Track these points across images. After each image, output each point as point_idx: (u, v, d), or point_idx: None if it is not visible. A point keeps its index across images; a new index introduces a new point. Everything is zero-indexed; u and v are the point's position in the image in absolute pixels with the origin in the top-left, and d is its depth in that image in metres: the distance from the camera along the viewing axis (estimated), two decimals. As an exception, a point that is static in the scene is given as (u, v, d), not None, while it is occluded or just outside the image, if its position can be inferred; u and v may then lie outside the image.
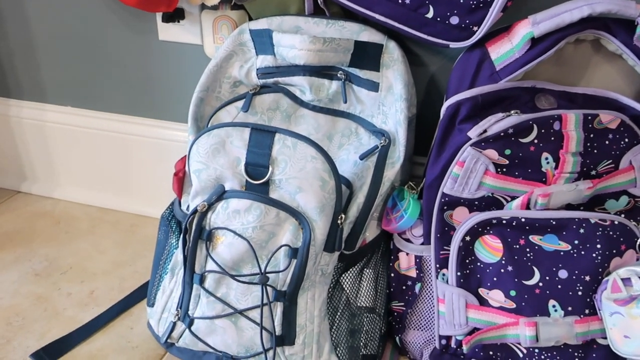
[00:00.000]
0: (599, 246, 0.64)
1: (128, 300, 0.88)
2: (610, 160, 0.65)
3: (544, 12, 0.66)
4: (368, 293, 0.75)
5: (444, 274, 0.70)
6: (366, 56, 0.77)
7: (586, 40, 0.69)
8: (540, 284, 0.65)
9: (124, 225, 1.07)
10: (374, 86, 0.77)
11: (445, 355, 0.73)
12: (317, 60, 0.76)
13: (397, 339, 0.78)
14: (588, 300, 0.65)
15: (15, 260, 0.97)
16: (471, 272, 0.68)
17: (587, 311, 0.65)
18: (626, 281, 0.62)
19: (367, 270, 0.75)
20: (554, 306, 0.65)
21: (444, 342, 0.72)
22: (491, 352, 0.70)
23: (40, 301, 0.88)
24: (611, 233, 0.64)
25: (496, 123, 0.64)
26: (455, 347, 0.72)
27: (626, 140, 0.64)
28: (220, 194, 0.68)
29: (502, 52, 0.69)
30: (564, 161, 0.64)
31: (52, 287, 0.91)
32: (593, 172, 0.65)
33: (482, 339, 0.69)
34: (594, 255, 0.64)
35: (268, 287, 0.67)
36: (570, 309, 0.65)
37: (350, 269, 0.74)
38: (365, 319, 0.74)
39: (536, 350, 0.67)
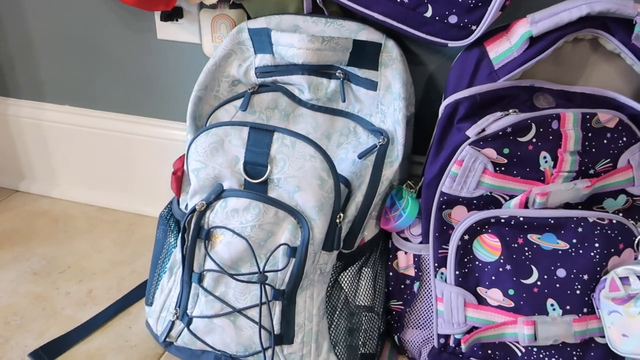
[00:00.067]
0: (597, 245, 0.64)
1: (126, 300, 0.88)
2: (609, 159, 0.65)
3: (542, 11, 0.66)
4: (367, 292, 0.75)
5: (442, 273, 0.70)
6: (365, 55, 0.77)
7: (584, 39, 0.69)
8: (539, 283, 0.65)
9: (122, 224, 1.07)
10: (372, 85, 0.77)
11: (443, 354, 0.73)
12: (316, 59, 0.75)
13: (396, 337, 0.78)
14: (586, 299, 0.65)
15: (14, 259, 0.97)
16: (470, 271, 0.68)
17: (585, 310, 0.65)
18: (624, 280, 0.62)
19: (366, 269, 0.75)
20: (552, 305, 0.66)
21: (442, 340, 0.72)
22: (490, 351, 0.70)
23: (38, 300, 0.88)
24: (609, 232, 0.64)
25: (494, 122, 0.64)
26: (453, 345, 0.72)
27: (624, 139, 0.64)
28: (219, 193, 0.68)
29: (500, 51, 0.69)
30: (562, 160, 0.64)
31: (50, 287, 0.91)
32: (591, 171, 0.65)
33: (480, 338, 0.69)
34: (592, 254, 0.64)
35: (267, 286, 0.67)
36: (568, 307, 0.65)
37: (349, 268, 0.74)
38: (363, 318, 0.74)
39: (534, 349, 0.68)
